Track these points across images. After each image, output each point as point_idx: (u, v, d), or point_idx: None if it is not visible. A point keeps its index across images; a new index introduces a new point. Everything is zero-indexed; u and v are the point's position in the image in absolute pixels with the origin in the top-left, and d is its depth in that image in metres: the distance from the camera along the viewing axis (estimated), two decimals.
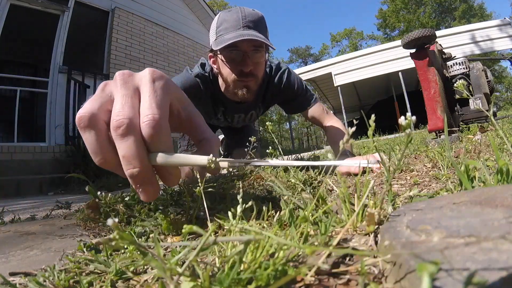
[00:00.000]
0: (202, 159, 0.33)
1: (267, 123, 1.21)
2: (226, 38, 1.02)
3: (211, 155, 0.33)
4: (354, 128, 0.30)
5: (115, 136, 0.32)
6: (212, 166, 0.33)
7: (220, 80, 1.20)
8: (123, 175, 0.34)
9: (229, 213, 0.33)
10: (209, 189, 0.59)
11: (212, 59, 1.17)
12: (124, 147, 0.32)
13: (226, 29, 1.05)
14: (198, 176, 0.44)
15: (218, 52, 1.07)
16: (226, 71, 1.10)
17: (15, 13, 4.09)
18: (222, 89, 1.21)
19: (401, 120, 0.26)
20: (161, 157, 0.33)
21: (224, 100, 1.25)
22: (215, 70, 1.18)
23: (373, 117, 0.31)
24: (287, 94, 1.32)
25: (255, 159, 0.34)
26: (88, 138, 0.32)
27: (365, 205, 0.32)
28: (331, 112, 1.39)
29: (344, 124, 1.43)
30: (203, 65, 1.24)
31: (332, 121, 1.33)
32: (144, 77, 0.36)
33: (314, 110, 1.33)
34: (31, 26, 4.59)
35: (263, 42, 1.04)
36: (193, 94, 1.14)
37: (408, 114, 0.26)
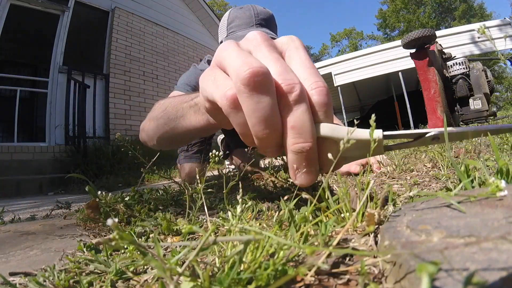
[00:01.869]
0: (375, 133, 0.28)
1: None
2: (240, 35, 1.01)
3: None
4: (355, 128, 0.30)
5: (285, 102, 0.26)
6: (378, 141, 0.28)
7: None
8: (273, 153, 0.29)
9: (229, 213, 0.33)
10: (209, 189, 0.59)
11: None
12: (296, 116, 0.26)
13: (238, 26, 1.05)
14: (197, 177, 0.44)
15: None
16: None
17: (15, 13, 4.09)
18: None
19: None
20: (327, 128, 0.27)
21: None
22: None
23: (373, 116, 0.31)
24: None
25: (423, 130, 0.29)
26: (263, 102, 0.25)
27: (365, 205, 0.32)
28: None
29: (344, 124, 1.43)
30: (209, 62, 1.25)
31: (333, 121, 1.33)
32: (292, 43, 0.30)
33: None
34: (31, 26, 4.59)
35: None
36: None
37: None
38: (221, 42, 1.10)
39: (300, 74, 0.28)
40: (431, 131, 0.30)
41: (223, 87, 0.27)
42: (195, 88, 1.08)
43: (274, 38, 1.03)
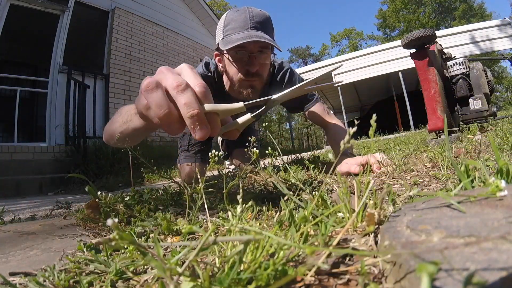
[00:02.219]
0: (239, 105, 0.45)
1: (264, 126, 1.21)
2: (234, 38, 1.02)
3: (243, 103, 0.45)
4: (355, 128, 0.30)
5: (176, 92, 0.41)
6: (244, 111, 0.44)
7: (225, 79, 1.20)
8: (178, 129, 0.43)
9: (229, 213, 0.33)
10: (209, 189, 0.59)
11: (218, 57, 1.18)
12: (185, 97, 0.41)
13: (233, 29, 1.05)
14: (199, 177, 0.44)
15: (225, 52, 1.08)
16: (232, 70, 1.11)
17: (15, 13, 4.09)
18: (227, 88, 1.22)
19: None
20: (208, 106, 0.43)
21: (228, 99, 1.26)
22: (221, 68, 1.19)
23: (374, 116, 0.31)
24: None
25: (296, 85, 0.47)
26: (156, 96, 0.41)
27: (365, 205, 0.32)
28: (332, 112, 1.39)
29: (344, 124, 1.43)
30: (207, 65, 1.25)
31: (332, 121, 1.33)
32: (183, 67, 0.47)
33: (315, 109, 1.33)
34: (31, 26, 4.59)
35: (269, 44, 1.04)
36: None
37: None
38: (218, 44, 1.10)
39: (189, 80, 0.44)
40: (274, 96, 0.47)
41: (142, 101, 0.45)
42: None
43: (270, 42, 1.03)
